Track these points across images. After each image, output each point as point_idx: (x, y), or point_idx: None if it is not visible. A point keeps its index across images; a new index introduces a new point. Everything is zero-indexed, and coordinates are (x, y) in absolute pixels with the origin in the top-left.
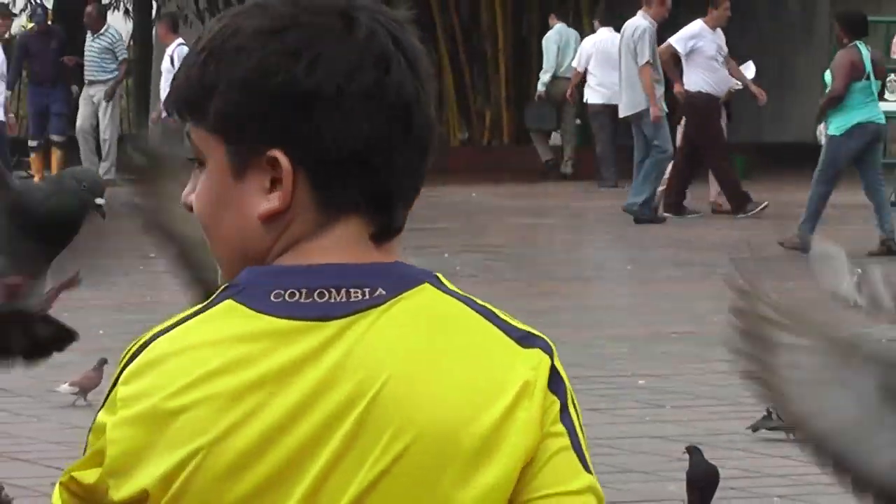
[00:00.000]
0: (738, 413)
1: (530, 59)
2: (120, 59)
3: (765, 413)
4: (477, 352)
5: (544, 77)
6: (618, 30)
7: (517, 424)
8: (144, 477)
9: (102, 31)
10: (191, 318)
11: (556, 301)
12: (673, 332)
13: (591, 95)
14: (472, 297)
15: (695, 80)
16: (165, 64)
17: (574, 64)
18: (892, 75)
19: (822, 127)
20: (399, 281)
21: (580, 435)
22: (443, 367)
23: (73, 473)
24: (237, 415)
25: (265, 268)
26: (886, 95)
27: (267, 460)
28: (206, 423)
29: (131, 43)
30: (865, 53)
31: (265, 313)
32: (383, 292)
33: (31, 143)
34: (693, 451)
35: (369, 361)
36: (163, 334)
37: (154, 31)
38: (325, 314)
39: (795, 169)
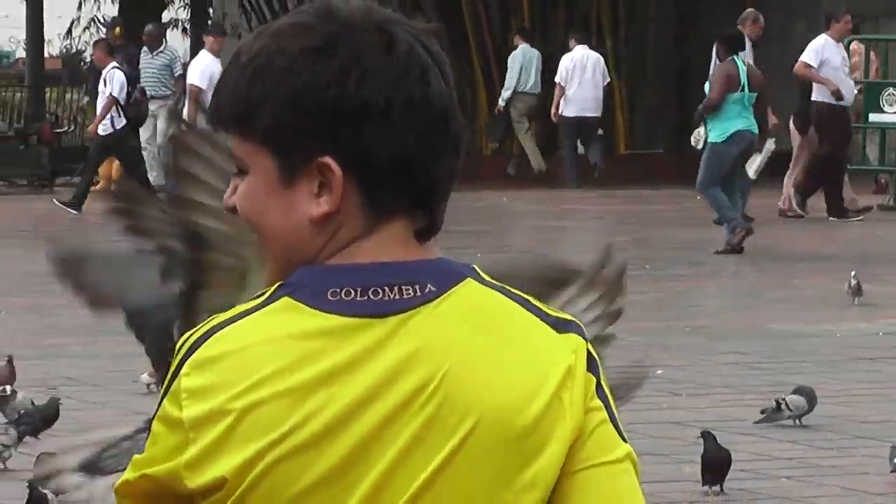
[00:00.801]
0: (747, 401)
1: (553, 74)
2: (176, 75)
3: (774, 405)
4: (521, 340)
5: (505, 94)
6: (592, 47)
7: (565, 406)
8: (221, 467)
9: (161, 48)
10: (249, 313)
11: None
12: (686, 325)
13: (566, 108)
14: (506, 286)
15: (823, 90)
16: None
17: (556, 79)
18: (892, 89)
19: (698, 132)
20: (446, 277)
21: (613, 407)
22: (494, 357)
23: (146, 471)
24: (307, 409)
25: (320, 267)
26: (885, 108)
27: (336, 449)
28: (277, 418)
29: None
30: (742, 68)
31: (324, 311)
32: (433, 289)
33: None
34: (707, 436)
35: (428, 354)
36: (221, 328)
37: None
38: (381, 311)
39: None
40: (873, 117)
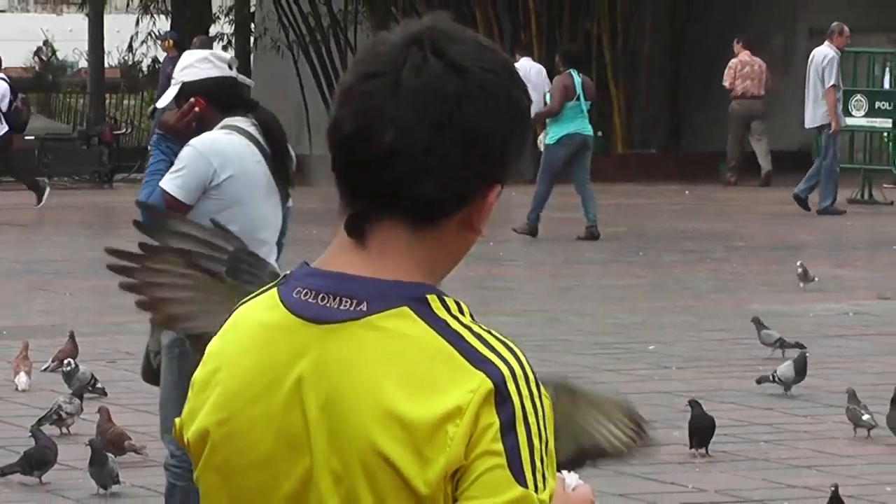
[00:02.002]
0: (730, 373)
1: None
2: None
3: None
4: (422, 373)
5: None
6: (535, 59)
7: (447, 438)
8: (192, 430)
9: None
10: (259, 294)
11: (582, 281)
12: (676, 305)
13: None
14: (451, 322)
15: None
16: None
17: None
18: (859, 95)
19: (541, 136)
20: (383, 301)
21: (524, 451)
22: (388, 385)
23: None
24: (248, 396)
25: (305, 265)
26: (853, 112)
27: (265, 438)
28: (229, 397)
29: None
30: (577, 80)
31: (286, 306)
32: (364, 309)
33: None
34: (694, 404)
35: (336, 367)
36: (243, 304)
37: (252, 59)
38: (320, 317)
39: (782, 171)
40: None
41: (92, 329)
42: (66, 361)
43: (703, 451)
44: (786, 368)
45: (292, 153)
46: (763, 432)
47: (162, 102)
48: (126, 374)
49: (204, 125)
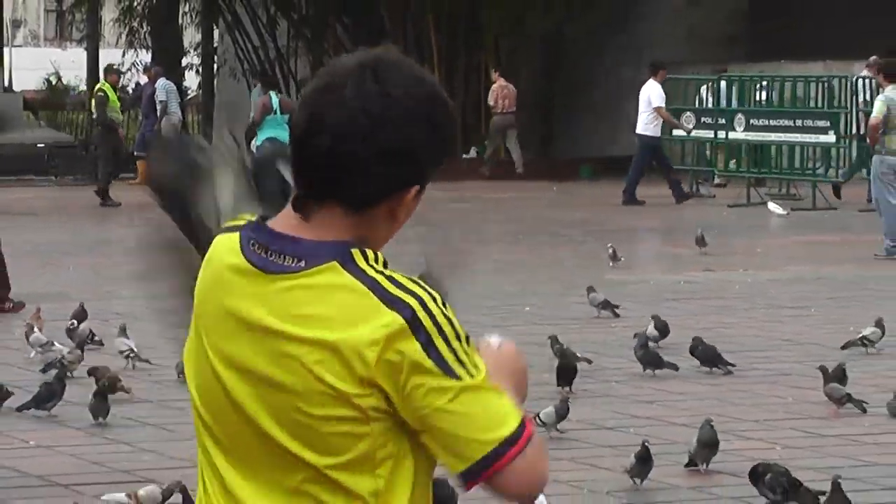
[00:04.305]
0: (591, 327)
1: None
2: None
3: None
4: (347, 313)
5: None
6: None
7: (364, 359)
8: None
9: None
10: (231, 230)
11: (474, 257)
12: (546, 276)
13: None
14: (370, 272)
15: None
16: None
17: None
18: (688, 113)
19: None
20: (317, 259)
21: (448, 356)
22: (317, 325)
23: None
24: (214, 326)
25: (259, 222)
26: (685, 124)
27: (224, 364)
28: (207, 327)
29: (200, 91)
30: (275, 99)
31: (242, 253)
32: (302, 265)
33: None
34: (554, 339)
35: (273, 312)
36: (221, 233)
37: (215, 83)
38: (266, 268)
39: (623, 172)
40: (675, 132)
41: (90, 296)
42: (70, 322)
43: (567, 389)
44: (650, 330)
45: None
46: (613, 375)
47: None
48: (116, 331)
49: None
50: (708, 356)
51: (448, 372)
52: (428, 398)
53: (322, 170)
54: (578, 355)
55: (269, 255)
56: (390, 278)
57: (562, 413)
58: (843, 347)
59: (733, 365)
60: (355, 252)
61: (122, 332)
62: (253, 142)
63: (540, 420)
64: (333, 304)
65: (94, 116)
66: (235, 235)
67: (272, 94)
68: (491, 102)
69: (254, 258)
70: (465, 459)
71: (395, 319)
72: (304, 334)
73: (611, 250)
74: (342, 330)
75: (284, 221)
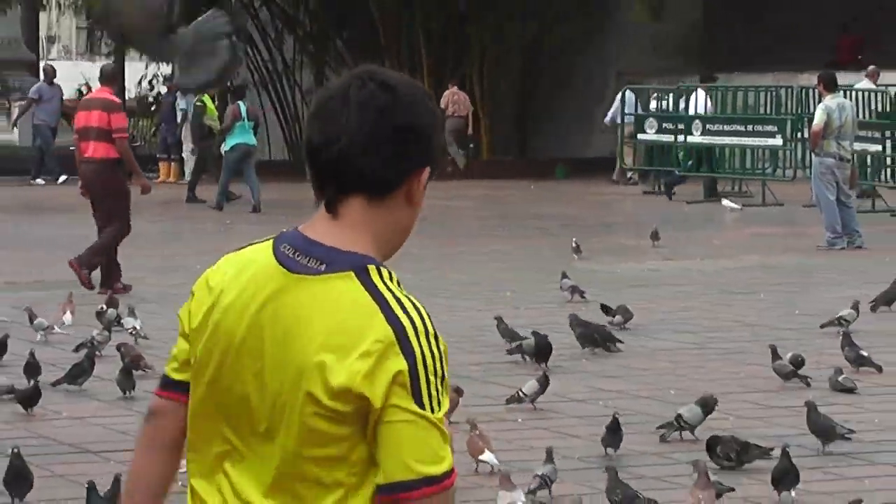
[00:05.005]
0: (559, 309)
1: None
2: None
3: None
4: (350, 320)
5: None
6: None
7: (356, 367)
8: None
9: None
10: (260, 243)
11: (461, 249)
12: (526, 265)
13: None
14: (380, 287)
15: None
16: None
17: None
18: (651, 119)
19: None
20: (337, 266)
21: (423, 386)
22: (328, 326)
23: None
24: (243, 308)
25: (293, 228)
26: (647, 130)
27: (246, 342)
28: (223, 304)
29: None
30: (243, 107)
31: (274, 255)
32: (322, 268)
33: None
34: (536, 334)
35: (299, 305)
36: (245, 247)
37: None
38: (291, 267)
39: (599, 172)
40: (640, 136)
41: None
42: (100, 307)
43: (544, 365)
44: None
45: None
46: (583, 353)
47: None
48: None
49: None
50: (587, 336)
51: (416, 398)
52: (389, 411)
53: (345, 165)
54: (521, 334)
55: (297, 255)
56: (397, 299)
57: (543, 386)
58: (822, 326)
59: (621, 342)
60: (371, 267)
61: (131, 312)
62: (223, 145)
63: (523, 393)
64: (339, 311)
65: (193, 124)
66: (268, 243)
67: (240, 102)
68: (444, 106)
69: (281, 258)
70: (388, 476)
71: (389, 336)
72: (306, 339)
73: (574, 244)
74: (340, 338)
75: (318, 226)
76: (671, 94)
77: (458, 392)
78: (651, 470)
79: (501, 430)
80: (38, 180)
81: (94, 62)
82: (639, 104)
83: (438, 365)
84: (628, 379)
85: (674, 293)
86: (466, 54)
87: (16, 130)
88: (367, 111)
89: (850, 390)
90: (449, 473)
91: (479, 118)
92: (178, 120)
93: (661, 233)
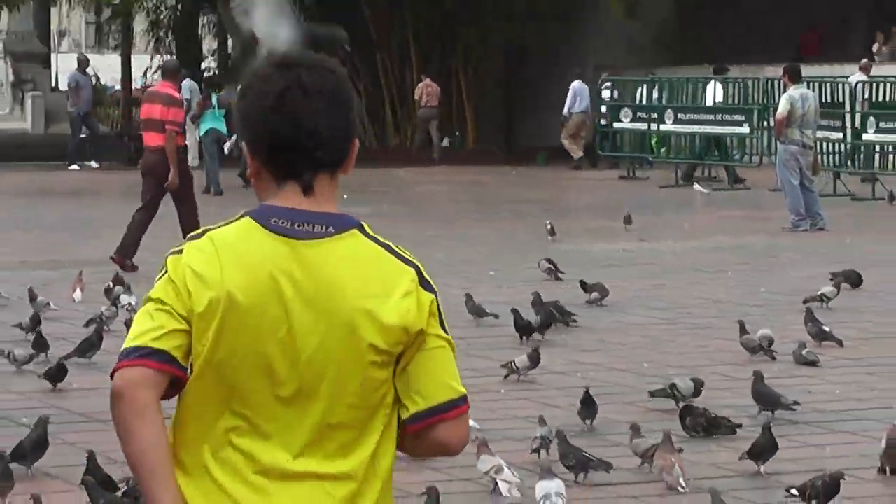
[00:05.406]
0: (538, 287)
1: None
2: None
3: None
4: (379, 271)
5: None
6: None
7: (405, 306)
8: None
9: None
10: (227, 224)
11: (444, 231)
12: (504, 248)
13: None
14: (379, 237)
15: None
16: None
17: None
18: (626, 108)
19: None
20: (341, 225)
21: (442, 314)
22: (357, 275)
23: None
24: (257, 282)
25: (266, 205)
26: (622, 119)
27: (266, 312)
28: (233, 284)
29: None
30: (214, 97)
31: (268, 229)
32: (332, 230)
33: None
34: (514, 311)
35: (324, 265)
36: (212, 230)
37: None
38: (298, 235)
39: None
40: (616, 125)
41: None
42: (107, 284)
43: (525, 338)
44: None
45: None
46: (561, 328)
47: None
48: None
49: None
50: (549, 315)
51: (442, 325)
52: (429, 339)
53: (323, 148)
54: (487, 311)
55: (296, 225)
56: (395, 247)
57: (534, 361)
58: (805, 302)
59: (573, 320)
60: (364, 224)
61: (127, 289)
62: (196, 132)
63: (515, 366)
64: (363, 263)
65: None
66: (241, 223)
67: (213, 93)
68: (417, 97)
69: (282, 230)
70: (430, 399)
71: (413, 276)
72: (344, 294)
73: (549, 226)
74: (376, 286)
75: (293, 200)
76: (645, 85)
77: None
78: (624, 438)
79: (486, 401)
80: (74, 166)
81: (103, 55)
82: (615, 94)
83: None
84: (604, 352)
85: (646, 272)
86: (454, 50)
87: (28, 118)
88: (330, 97)
89: (813, 363)
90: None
91: (465, 109)
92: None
93: (635, 216)
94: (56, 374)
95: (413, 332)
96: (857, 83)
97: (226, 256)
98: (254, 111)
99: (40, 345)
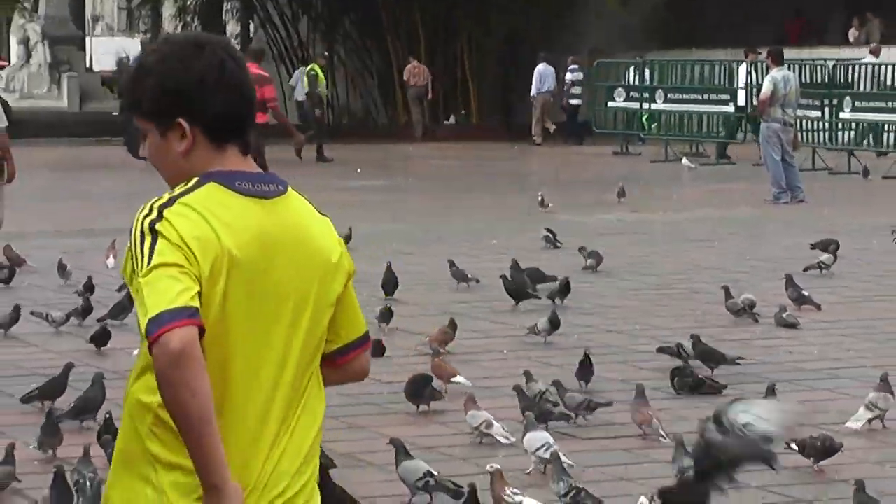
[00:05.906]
0: (537, 254)
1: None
2: None
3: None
4: (321, 224)
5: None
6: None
7: (344, 252)
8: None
9: None
10: (191, 190)
11: (448, 204)
12: (509, 217)
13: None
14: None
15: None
16: None
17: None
18: (620, 89)
19: None
20: (284, 184)
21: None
22: (314, 228)
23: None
24: (243, 241)
25: (222, 171)
26: (616, 98)
27: (256, 266)
28: (230, 245)
29: None
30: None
31: (236, 191)
32: (282, 188)
33: None
34: (451, 263)
35: (293, 220)
36: (181, 197)
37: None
38: (265, 194)
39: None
40: (610, 104)
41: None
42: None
43: (517, 304)
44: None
45: None
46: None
47: None
48: None
49: None
50: (522, 285)
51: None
52: (350, 282)
53: (250, 118)
54: (469, 276)
55: (257, 185)
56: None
57: (555, 323)
58: (805, 270)
59: (537, 297)
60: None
61: None
62: None
63: (538, 329)
64: (313, 218)
65: (307, 91)
66: (208, 186)
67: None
68: (406, 78)
69: (249, 191)
70: (359, 329)
71: (331, 223)
72: (315, 244)
73: (540, 197)
74: (329, 237)
75: (237, 163)
76: (634, 66)
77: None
78: (618, 395)
79: (488, 360)
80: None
81: (133, 38)
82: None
83: None
84: (599, 315)
85: (639, 241)
86: (457, 34)
87: (65, 97)
88: (246, 73)
89: (793, 326)
90: None
91: (469, 88)
92: None
93: (628, 189)
94: (101, 337)
95: (350, 275)
96: (866, 65)
97: (213, 220)
98: (197, 85)
99: (86, 310)
